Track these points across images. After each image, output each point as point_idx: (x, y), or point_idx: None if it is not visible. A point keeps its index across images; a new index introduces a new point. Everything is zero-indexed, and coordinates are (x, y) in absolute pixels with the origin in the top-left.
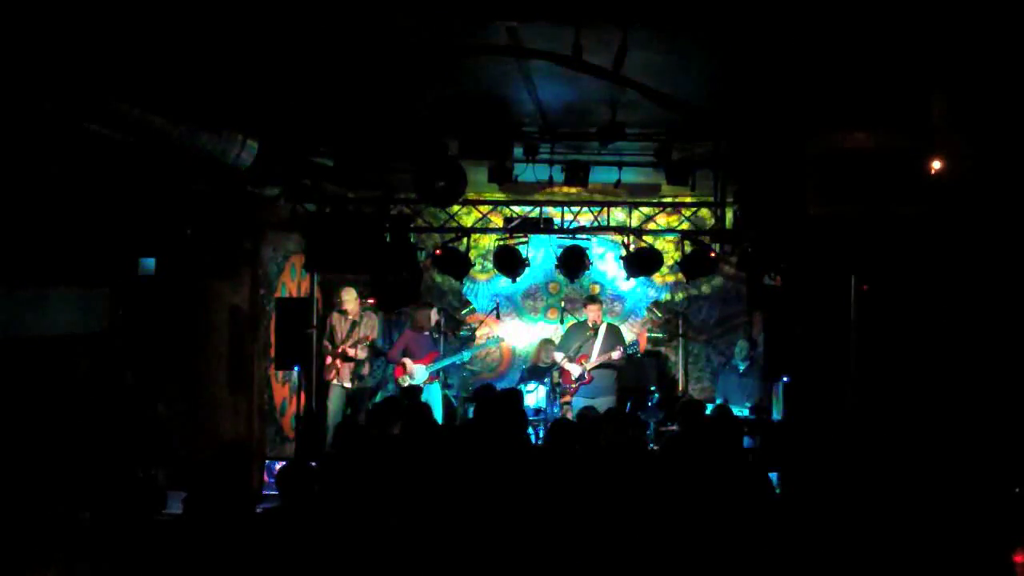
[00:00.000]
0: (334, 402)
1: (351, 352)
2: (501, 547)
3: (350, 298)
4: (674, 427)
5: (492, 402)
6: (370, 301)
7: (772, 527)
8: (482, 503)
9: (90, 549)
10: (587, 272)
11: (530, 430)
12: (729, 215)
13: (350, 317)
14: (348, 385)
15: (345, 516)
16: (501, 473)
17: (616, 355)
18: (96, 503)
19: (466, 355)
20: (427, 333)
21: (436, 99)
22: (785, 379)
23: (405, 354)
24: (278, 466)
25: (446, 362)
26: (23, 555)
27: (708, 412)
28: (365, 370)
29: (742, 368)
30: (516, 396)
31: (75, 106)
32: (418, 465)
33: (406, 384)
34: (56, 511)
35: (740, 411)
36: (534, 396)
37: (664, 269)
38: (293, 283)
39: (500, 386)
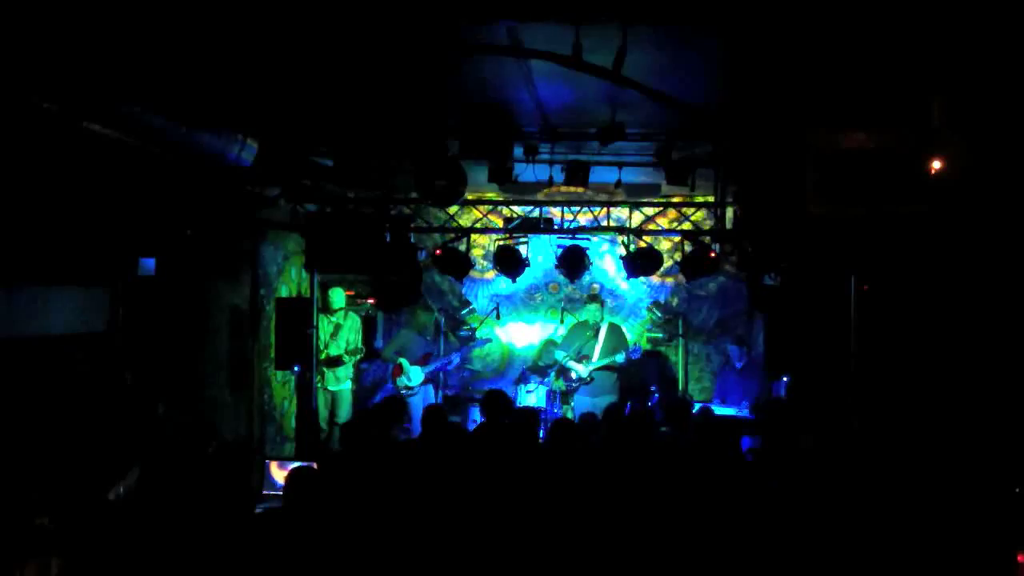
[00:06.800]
0: (321, 405)
1: (334, 354)
2: (504, 547)
3: (336, 299)
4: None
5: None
6: (370, 301)
7: (771, 527)
8: (486, 503)
9: (87, 547)
10: (587, 272)
11: None
12: (729, 215)
13: (334, 319)
14: (330, 388)
15: (348, 517)
16: (507, 474)
17: (619, 360)
18: (95, 502)
19: (455, 358)
20: (424, 334)
21: (436, 99)
22: (785, 379)
23: (400, 354)
24: (273, 465)
25: (438, 364)
26: (20, 552)
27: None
28: (346, 372)
29: (739, 367)
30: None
31: (75, 106)
32: (425, 466)
33: (403, 385)
34: (54, 509)
35: (727, 410)
36: (534, 396)
37: (664, 268)
38: (293, 283)
39: (500, 386)
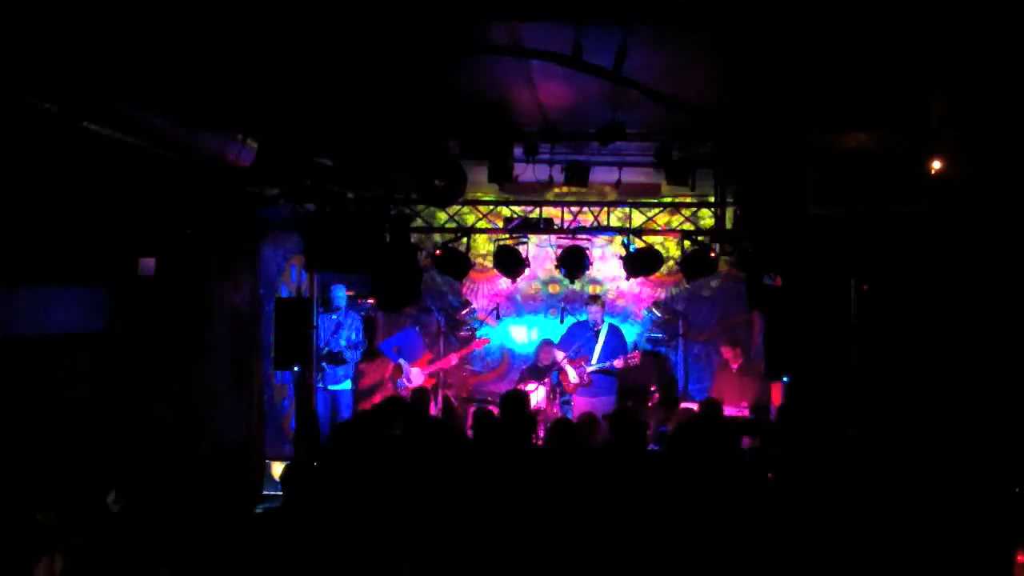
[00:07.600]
0: (321, 405)
1: (335, 352)
2: (501, 546)
3: (336, 298)
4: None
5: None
6: (370, 301)
7: (770, 526)
8: (484, 502)
9: (91, 544)
10: (587, 272)
11: None
12: (729, 215)
13: (334, 318)
14: (330, 388)
15: (346, 516)
16: (503, 473)
17: (618, 364)
18: (94, 502)
19: (453, 358)
20: (424, 334)
21: (436, 99)
22: (785, 379)
23: (399, 352)
24: (274, 465)
25: (438, 364)
26: (24, 550)
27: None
28: (346, 372)
29: (735, 368)
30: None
31: (75, 106)
32: (420, 465)
33: (403, 386)
34: (53, 508)
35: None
36: (534, 396)
37: (664, 269)
38: (293, 283)
39: (499, 386)
